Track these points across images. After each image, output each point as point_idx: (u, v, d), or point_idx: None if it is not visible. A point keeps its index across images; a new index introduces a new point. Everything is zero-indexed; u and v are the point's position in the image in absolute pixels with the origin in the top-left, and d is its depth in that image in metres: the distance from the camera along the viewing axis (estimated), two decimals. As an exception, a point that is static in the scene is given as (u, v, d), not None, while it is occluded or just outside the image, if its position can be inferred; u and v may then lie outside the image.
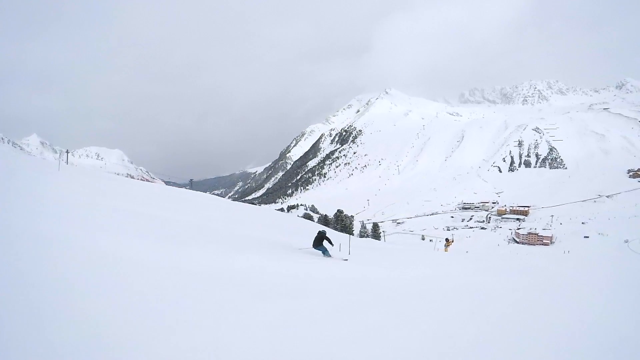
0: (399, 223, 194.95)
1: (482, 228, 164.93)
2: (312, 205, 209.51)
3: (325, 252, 13.15)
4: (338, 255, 13.71)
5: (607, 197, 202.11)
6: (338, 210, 78.75)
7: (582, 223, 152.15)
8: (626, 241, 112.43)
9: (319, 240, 13.15)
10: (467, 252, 52.27)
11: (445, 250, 38.12)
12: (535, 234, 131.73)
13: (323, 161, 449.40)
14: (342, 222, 71.56)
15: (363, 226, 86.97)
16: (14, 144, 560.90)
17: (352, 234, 71.93)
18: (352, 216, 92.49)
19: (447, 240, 43.52)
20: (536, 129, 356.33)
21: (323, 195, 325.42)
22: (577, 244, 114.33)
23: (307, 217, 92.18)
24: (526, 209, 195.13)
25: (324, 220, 72.99)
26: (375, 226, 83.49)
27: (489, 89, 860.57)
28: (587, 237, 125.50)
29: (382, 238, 71.40)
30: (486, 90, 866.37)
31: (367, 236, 72.15)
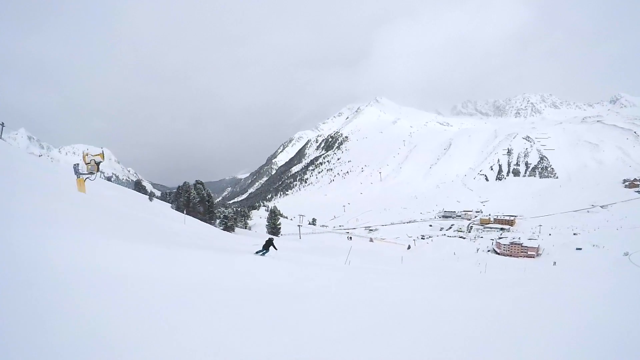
0: (371, 230, 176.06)
1: (461, 237, 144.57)
2: (275, 206, 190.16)
3: (264, 253, 15.72)
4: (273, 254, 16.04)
5: (602, 207, 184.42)
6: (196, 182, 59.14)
7: (574, 234, 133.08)
8: (626, 254, 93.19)
9: (267, 244, 15.94)
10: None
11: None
12: (518, 244, 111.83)
13: (306, 167, 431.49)
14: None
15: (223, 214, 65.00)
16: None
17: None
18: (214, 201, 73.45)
19: None
20: (527, 138, 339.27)
21: (302, 200, 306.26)
22: (568, 257, 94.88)
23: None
24: (512, 218, 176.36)
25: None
26: (273, 215, 63.61)
27: (482, 102, 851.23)
28: (580, 249, 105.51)
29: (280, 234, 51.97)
30: (479, 102, 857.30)
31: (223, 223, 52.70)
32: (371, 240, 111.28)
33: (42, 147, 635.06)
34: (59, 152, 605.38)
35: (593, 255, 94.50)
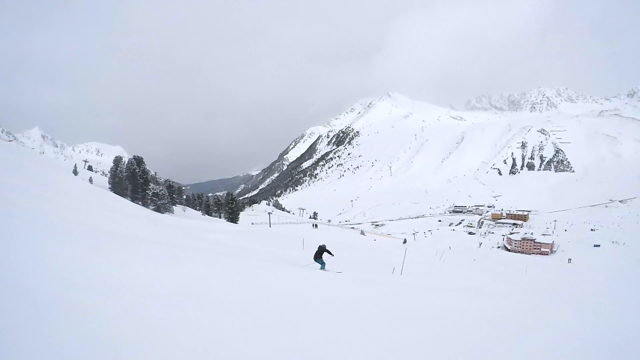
0: (377, 225, 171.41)
1: (471, 233, 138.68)
2: (276, 201, 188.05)
3: (323, 266, 13.59)
4: (332, 268, 13.64)
5: (621, 202, 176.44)
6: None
7: (592, 230, 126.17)
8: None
9: (319, 254, 13.72)
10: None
11: None
12: (531, 240, 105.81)
13: (317, 162, 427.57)
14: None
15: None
16: (8, 133, 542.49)
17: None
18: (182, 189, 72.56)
19: None
20: (542, 131, 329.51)
21: (310, 196, 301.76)
22: (585, 254, 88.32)
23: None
24: (525, 213, 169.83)
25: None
26: (230, 197, 60.86)
27: (497, 96, 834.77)
28: (598, 245, 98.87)
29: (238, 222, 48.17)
30: (493, 97, 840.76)
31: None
32: (362, 233, 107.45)
33: (56, 146, 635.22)
34: (73, 150, 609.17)
35: (612, 253, 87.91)
